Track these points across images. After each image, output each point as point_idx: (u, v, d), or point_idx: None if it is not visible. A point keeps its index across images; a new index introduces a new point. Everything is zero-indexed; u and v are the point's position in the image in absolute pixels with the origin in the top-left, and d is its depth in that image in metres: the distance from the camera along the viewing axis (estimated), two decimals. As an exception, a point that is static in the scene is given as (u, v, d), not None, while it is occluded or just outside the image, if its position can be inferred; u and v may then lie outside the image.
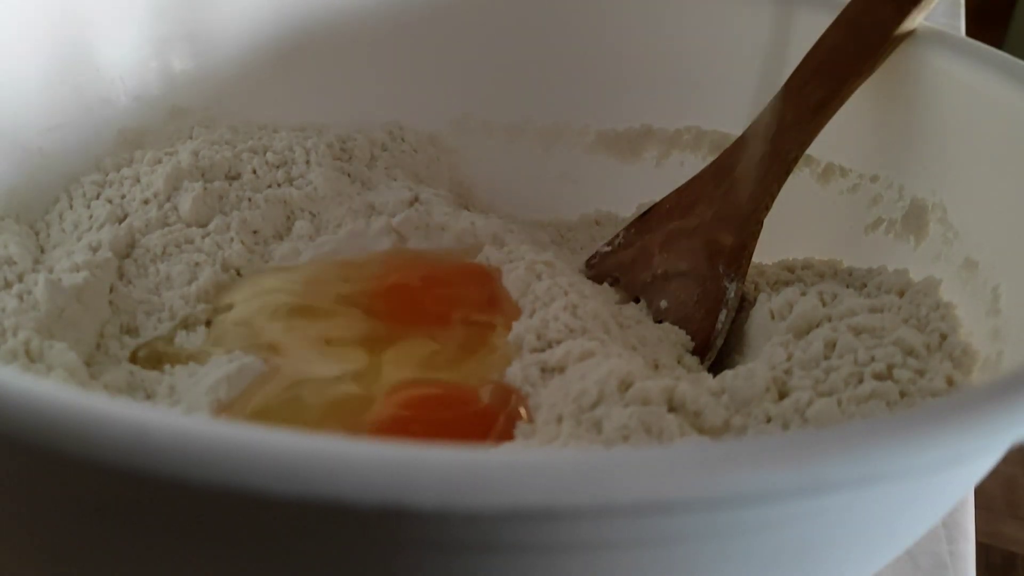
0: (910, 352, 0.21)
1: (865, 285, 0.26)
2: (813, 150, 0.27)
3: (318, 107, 0.33)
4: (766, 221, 0.27)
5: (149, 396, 0.22)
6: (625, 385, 0.20)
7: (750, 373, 0.21)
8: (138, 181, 0.29)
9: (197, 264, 0.27)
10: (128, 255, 0.27)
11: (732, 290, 0.26)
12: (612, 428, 0.19)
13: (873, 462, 0.12)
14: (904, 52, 0.26)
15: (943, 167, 0.26)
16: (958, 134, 0.25)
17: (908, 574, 0.25)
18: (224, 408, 0.21)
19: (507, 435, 0.20)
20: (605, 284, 0.28)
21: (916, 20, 0.26)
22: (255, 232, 0.28)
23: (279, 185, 0.30)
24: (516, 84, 0.34)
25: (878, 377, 0.21)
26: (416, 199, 0.30)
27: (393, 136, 0.34)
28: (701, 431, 0.19)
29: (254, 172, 0.30)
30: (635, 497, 0.11)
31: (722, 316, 0.26)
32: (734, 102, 0.30)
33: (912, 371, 0.21)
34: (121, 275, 0.26)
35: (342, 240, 0.28)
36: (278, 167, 0.30)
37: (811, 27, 0.27)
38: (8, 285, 0.24)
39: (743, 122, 0.27)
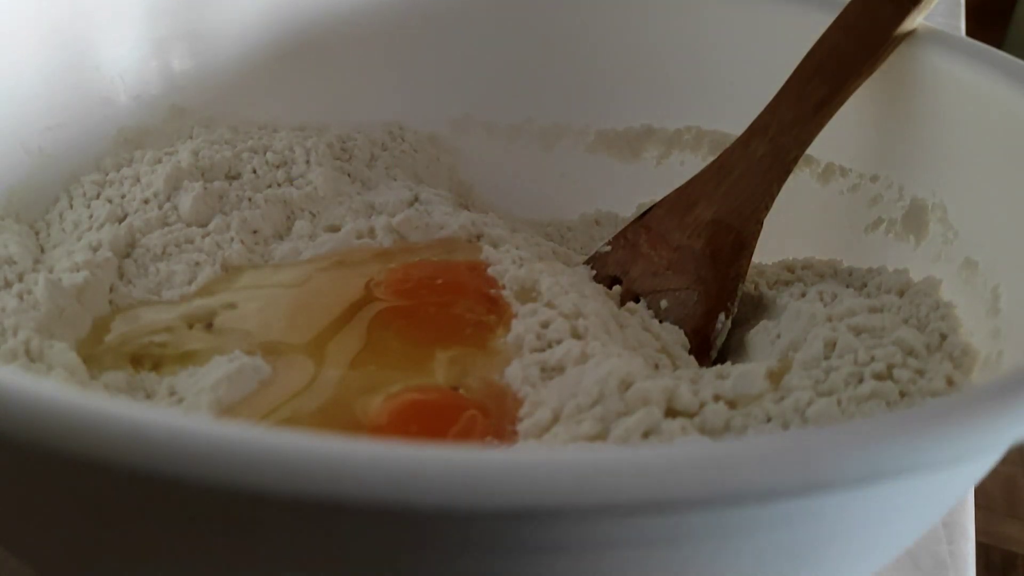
0: (910, 352, 0.21)
1: (865, 285, 0.26)
2: (813, 150, 0.27)
3: (318, 107, 0.33)
4: (766, 221, 0.27)
5: (149, 396, 0.22)
6: (625, 385, 0.20)
7: (750, 373, 0.21)
8: (138, 181, 0.29)
9: (197, 264, 0.27)
10: (128, 255, 0.27)
11: (732, 290, 0.26)
12: (612, 428, 0.19)
13: (873, 462, 0.12)
14: (904, 52, 0.26)
15: (943, 167, 0.26)
16: (958, 134, 0.25)
17: (908, 574, 0.25)
18: (224, 412, 0.21)
19: (506, 437, 0.20)
20: (605, 284, 0.28)
21: (916, 20, 0.26)
22: (255, 232, 0.28)
23: (279, 185, 0.30)
24: (516, 84, 0.34)
25: (878, 377, 0.21)
26: (416, 199, 0.30)
27: (393, 136, 0.34)
28: (701, 431, 0.19)
29: (254, 172, 0.30)
30: (635, 497, 0.11)
31: (722, 316, 0.26)
32: (734, 102, 0.30)
33: (912, 371, 0.21)
34: (121, 275, 0.26)
35: (342, 240, 0.28)
36: (278, 167, 0.30)
37: (811, 27, 0.27)
38: (8, 285, 0.24)
39: (743, 122, 0.27)
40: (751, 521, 0.13)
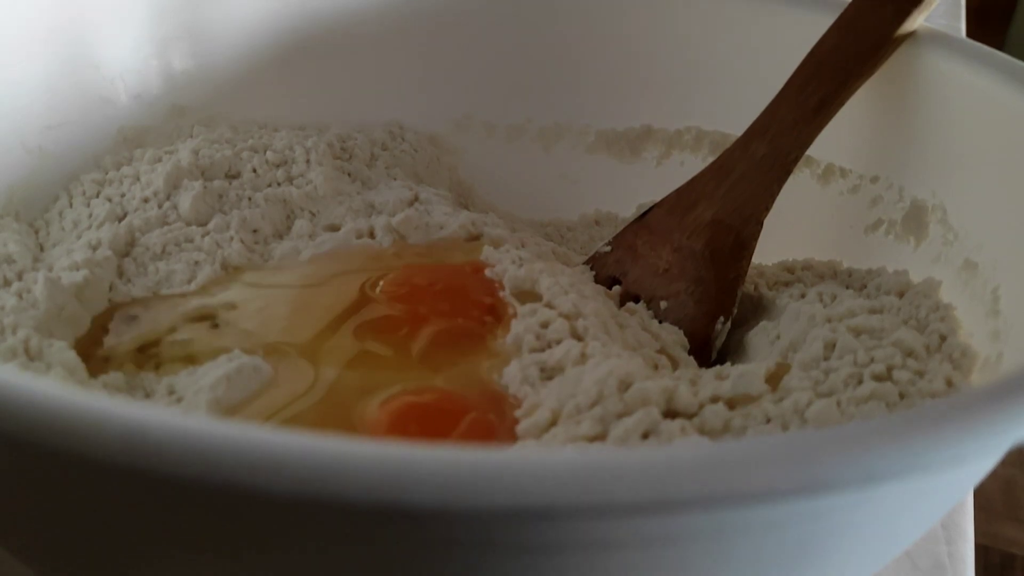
0: (909, 353, 0.21)
1: (865, 286, 0.26)
2: (813, 150, 0.27)
3: (318, 106, 0.33)
4: (766, 221, 0.27)
5: (148, 395, 0.22)
6: (624, 385, 0.20)
7: (749, 374, 0.21)
8: (138, 180, 0.29)
9: (197, 263, 0.27)
10: (128, 254, 0.27)
11: (732, 291, 0.26)
12: (611, 429, 0.19)
13: (873, 463, 0.12)
14: (904, 53, 0.26)
15: (943, 168, 0.26)
16: (958, 135, 0.25)
17: (907, 575, 0.25)
18: (224, 412, 0.21)
19: (506, 437, 0.20)
20: (604, 284, 0.28)
21: (916, 21, 0.26)
22: (255, 231, 0.28)
23: (279, 184, 0.30)
24: (517, 84, 0.34)
25: (877, 378, 0.21)
26: (416, 198, 0.30)
27: (393, 136, 0.34)
28: (701, 432, 0.19)
29: (254, 171, 0.30)
30: (635, 497, 0.11)
31: (721, 317, 0.26)
32: (734, 102, 0.30)
33: (911, 372, 0.21)
34: (121, 274, 0.26)
35: (342, 239, 0.28)
36: (278, 166, 0.30)
37: (811, 27, 0.27)
38: (7, 283, 0.24)
39: (743, 122, 0.27)
40: (750, 522, 0.13)
